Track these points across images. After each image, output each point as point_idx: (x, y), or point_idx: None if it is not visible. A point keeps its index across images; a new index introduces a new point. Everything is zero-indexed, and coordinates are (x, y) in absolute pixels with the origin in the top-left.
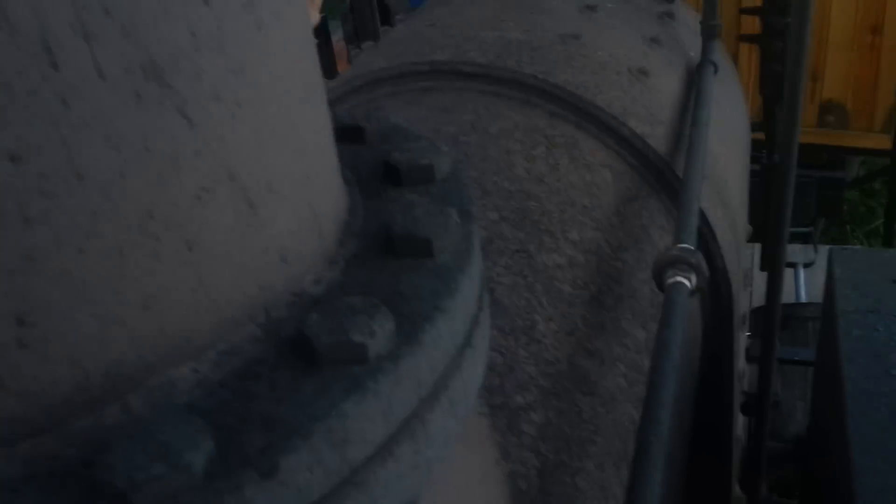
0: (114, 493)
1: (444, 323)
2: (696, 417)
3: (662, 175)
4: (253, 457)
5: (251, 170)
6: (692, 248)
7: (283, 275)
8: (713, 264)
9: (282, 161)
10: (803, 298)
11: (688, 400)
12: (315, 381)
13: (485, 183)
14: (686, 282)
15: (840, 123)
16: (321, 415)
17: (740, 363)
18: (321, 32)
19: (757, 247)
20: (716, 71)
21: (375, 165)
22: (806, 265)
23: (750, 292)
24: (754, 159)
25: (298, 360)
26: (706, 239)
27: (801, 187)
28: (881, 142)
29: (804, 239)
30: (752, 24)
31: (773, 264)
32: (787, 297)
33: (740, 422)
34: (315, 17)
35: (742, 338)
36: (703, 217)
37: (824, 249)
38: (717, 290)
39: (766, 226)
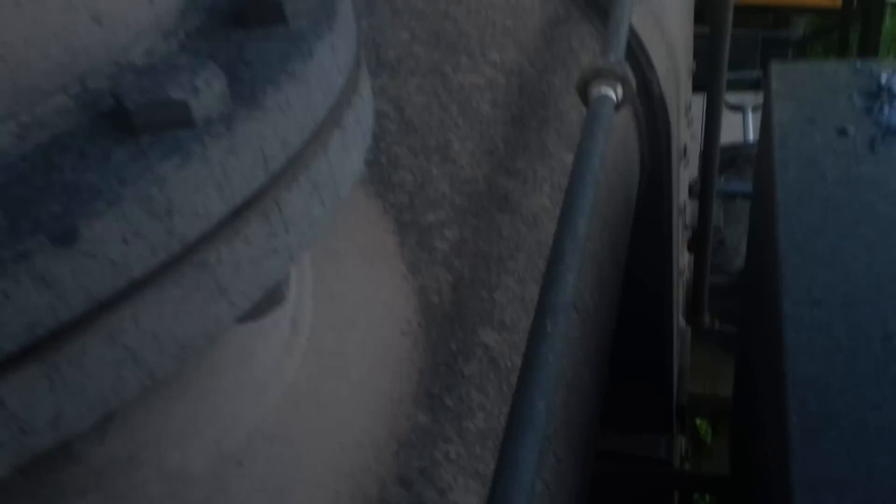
0: None
1: (293, 89)
2: (634, 248)
3: None
4: (46, 222)
5: None
6: (619, 59)
7: (101, 41)
8: (649, 91)
9: None
10: (751, 141)
11: (621, 226)
12: (129, 148)
13: (395, 1)
14: (612, 94)
15: None
16: (133, 179)
17: (682, 197)
18: None
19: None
20: None
21: None
22: (755, 109)
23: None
24: None
25: (116, 130)
26: (640, 64)
27: (746, 47)
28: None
29: (756, 85)
30: None
31: (712, 94)
32: (736, 139)
33: (686, 257)
34: None
35: (683, 172)
36: (636, 38)
37: None
38: (654, 120)
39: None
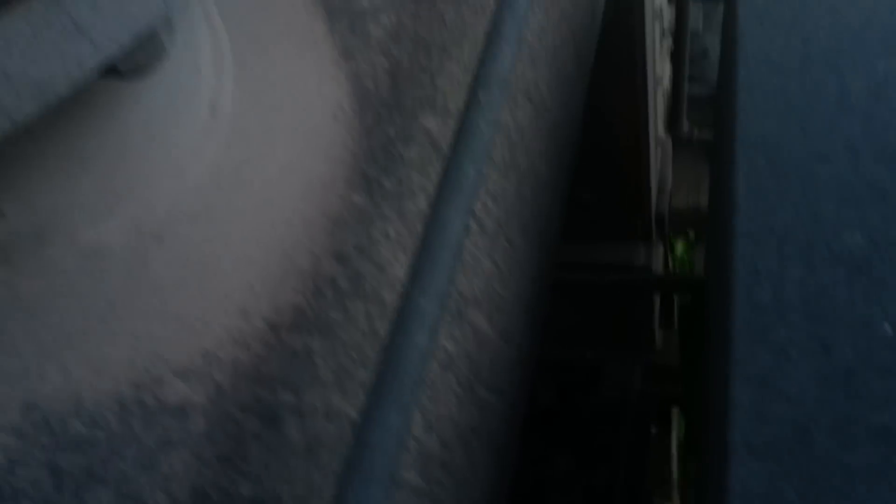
0: None
1: None
2: (605, 53)
3: None
4: None
5: None
6: None
7: None
8: None
9: None
10: None
11: (584, 22)
12: None
13: None
14: None
15: None
16: None
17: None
18: None
19: None
20: None
21: None
22: None
23: None
24: None
25: None
26: None
27: None
28: None
29: None
30: None
31: None
32: None
33: (667, 67)
34: None
35: None
36: None
37: None
38: None
39: None
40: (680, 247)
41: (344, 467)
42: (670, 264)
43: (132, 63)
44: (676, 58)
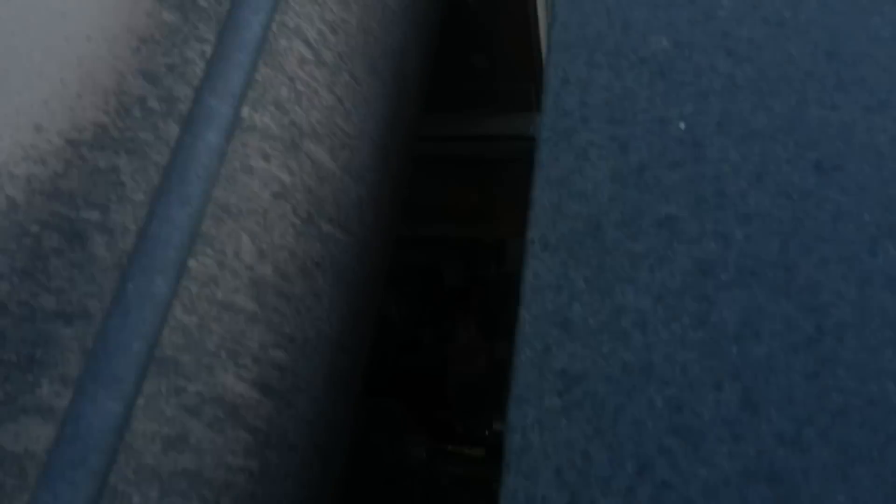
0: None
1: None
2: None
3: None
4: None
5: None
6: None
7: None
8: None
9: None
10: None
11: None
12: None
13: None
14: None
15: None
16: None
17: None
18: None
19: None
20: None
21: None
22: None
23: None
24: None
25: None
26: None
27: None
28: None
29: None
30: None
31: None
32: None
33: None
34: None
35: None
36: None
37: None
38: None
39: None
40: None
41: (128, 259)
42: None
43: None
44: None
